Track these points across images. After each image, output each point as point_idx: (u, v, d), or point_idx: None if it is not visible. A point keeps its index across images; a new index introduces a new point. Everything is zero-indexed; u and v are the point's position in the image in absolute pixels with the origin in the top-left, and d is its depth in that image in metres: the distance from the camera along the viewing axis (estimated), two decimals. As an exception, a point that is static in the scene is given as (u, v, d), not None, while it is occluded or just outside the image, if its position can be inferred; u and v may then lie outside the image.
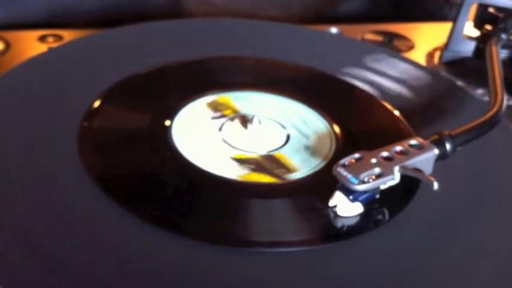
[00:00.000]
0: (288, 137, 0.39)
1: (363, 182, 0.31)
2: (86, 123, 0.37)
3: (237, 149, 0.37)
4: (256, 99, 0.42)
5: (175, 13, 0.63)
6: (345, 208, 0.32)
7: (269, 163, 0.36)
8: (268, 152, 0.37)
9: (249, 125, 0.38)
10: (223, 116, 0.40)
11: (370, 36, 0.59)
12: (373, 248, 0.31)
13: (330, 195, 0.32)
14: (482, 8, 0.53)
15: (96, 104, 0.39)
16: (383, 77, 0.46)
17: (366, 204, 0.32)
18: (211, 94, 0.42)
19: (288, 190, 0.34)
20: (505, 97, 0.38)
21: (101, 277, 0.27)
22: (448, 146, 0.33)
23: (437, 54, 0.57)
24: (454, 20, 0.54)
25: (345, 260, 0.30)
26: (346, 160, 0.32)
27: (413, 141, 0.33)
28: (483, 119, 0.35)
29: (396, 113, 0.42)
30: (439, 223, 0.33)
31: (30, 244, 0.28)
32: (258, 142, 0.38)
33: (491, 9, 0.53)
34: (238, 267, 0.29)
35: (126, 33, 0.48)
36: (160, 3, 0.62)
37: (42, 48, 0.50)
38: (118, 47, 0.46)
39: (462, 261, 0.31)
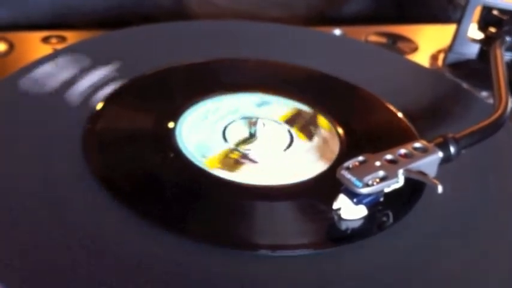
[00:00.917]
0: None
1: (367, 185, 0.30)
2: (90, 125, 0.37)
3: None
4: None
5: (178, 14, 0.63)
6: (349, 211, 0.32)
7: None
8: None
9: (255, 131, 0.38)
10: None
11: (373, 38, 0.59)
12: (377, 251, 0.31)
13: (333, 198, 0.32)
14: (486, 11, 0.53)
15: (101, 105, 0.39)
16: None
17: (370, 207, 0.32)
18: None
19: (291, 193, 0.34)
20: (510, 100, 0.38)
21: (103, 277, 0.27)
22: (452, 149, 0.33)
23: (441, 56, 0.57)
24: (458, 22, 0.54)
25: (348, 263, 0.30)
26: (350, 163, 0.32)
27: (417, 144, 0.33)
28: (487, 121, 0.35)
29: (400, 115, 0.42)
30: (443, 226, 0.33)
31: (31, 244, 0.28)
32: (264, 145, 0.38)
33: (495, 12, 0.53)
34: (240, 270, 0.29)
35: (131, 35, 0.49)
36: (163, 4, 0.62)
37: (46, 49, 0.50)
38: (124, 48, 0.46)
39: (467, 266, 0.31)
